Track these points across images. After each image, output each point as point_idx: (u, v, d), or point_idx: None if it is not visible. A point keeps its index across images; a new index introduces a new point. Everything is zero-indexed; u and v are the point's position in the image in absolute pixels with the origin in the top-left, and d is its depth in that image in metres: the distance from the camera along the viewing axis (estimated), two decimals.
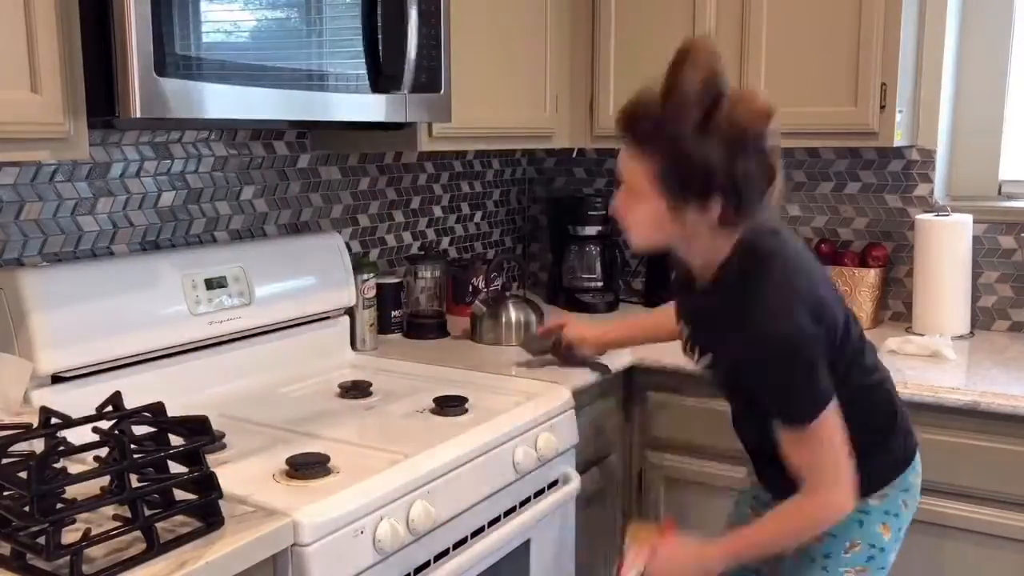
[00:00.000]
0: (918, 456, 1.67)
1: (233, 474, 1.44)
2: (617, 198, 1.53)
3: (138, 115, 1.37)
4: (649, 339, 2.11)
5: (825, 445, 1.47)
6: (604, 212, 2.82)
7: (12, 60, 1.30)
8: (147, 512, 1.17)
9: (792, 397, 1.46)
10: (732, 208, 1.43)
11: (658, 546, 1.58)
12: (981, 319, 2.49)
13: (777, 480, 1.57)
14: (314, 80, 1.66)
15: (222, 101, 1.50)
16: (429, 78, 1.89)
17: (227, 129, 2.07)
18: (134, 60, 1.36)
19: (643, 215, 1.49)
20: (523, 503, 1.78)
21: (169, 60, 1.41)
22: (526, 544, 1.82)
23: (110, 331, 1.69)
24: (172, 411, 1.36)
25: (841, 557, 1.61)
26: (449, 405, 1.82)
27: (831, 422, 1.47)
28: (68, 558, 1.09)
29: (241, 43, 1.54)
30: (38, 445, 1.30)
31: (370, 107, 1.80)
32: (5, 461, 1.19)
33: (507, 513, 1.73)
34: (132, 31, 1.36)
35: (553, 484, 1.88)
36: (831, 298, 1.54)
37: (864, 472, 1.52)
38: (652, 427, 2.31)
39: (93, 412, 1.35)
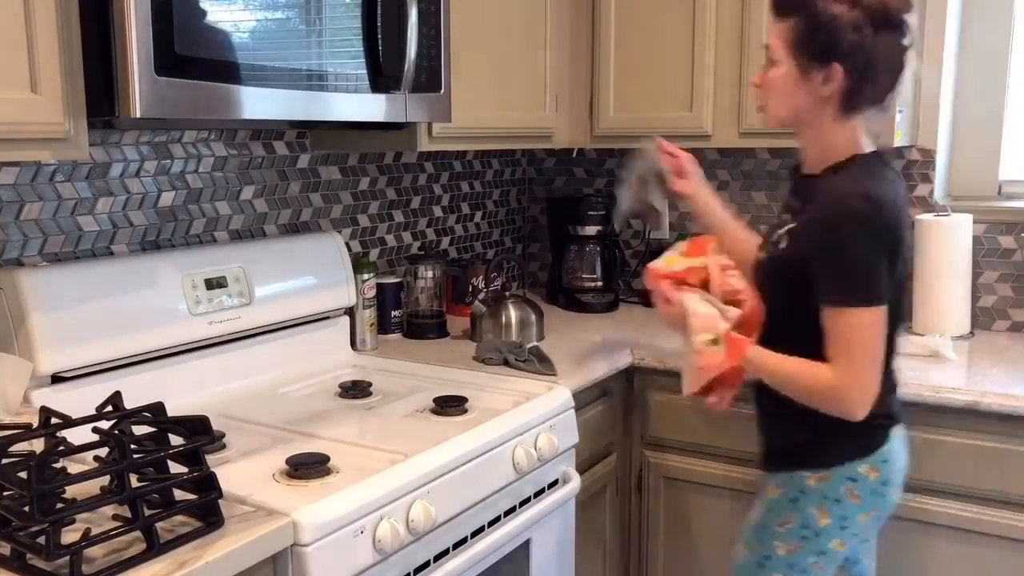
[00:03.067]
0: (884, 456, 1.61)
1: (233, 474, 1.44)
2: (758, 73, 1.62)
3: (138, 115, 1.37)
4: (735, 244, 1.87)
5: (865, 340, 1.49)
6: (604, 212, 2.83)
7: (12, 60, 1.30)
8: (147, 512, 1.17)
9: (851, 272, 1.48)
10: (854, 84, 1.49)
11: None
12: (981, 319, 2.49)
13: (776, 425, 1.64)
14: (314, 80, 1.66)
15: (222, 101, 1.50)
16: (429, 78, 1.89)
17: (227, 129, 2.07)
18: (134, 60, 1.36)
19: (776, 81, 1.57)
20: (523, 503, 1.78)
21: (169, 60, 1.41)
22: (526, 544, 1.82)
23: (110, 331, 1.69)
24: (172, 411, 1.36)
25: (774, 529, 1.65)
26: (449, 405, 1.82)
27: (878, 327, 1.49)
28: (68, 558, 1.09)
29: (241, 43, 1.54)
30: (38, 445, 1.30)
31: (370, 107, 1.80)
32: (5, 461, 1.19)
33: (507, 513, 1.73)
34: (132, 31, 1.36)
35: (553, 484, 1.88)
36: (902, 268, 1.56)
37: (818, 443, 1.58)
38: (652, 427, 2.31)
39: (93, 412, 1.35)
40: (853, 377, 1.50)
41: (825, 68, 1.50)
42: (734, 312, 1.64)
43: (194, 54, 1.45)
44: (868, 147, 1.58)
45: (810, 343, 1.53)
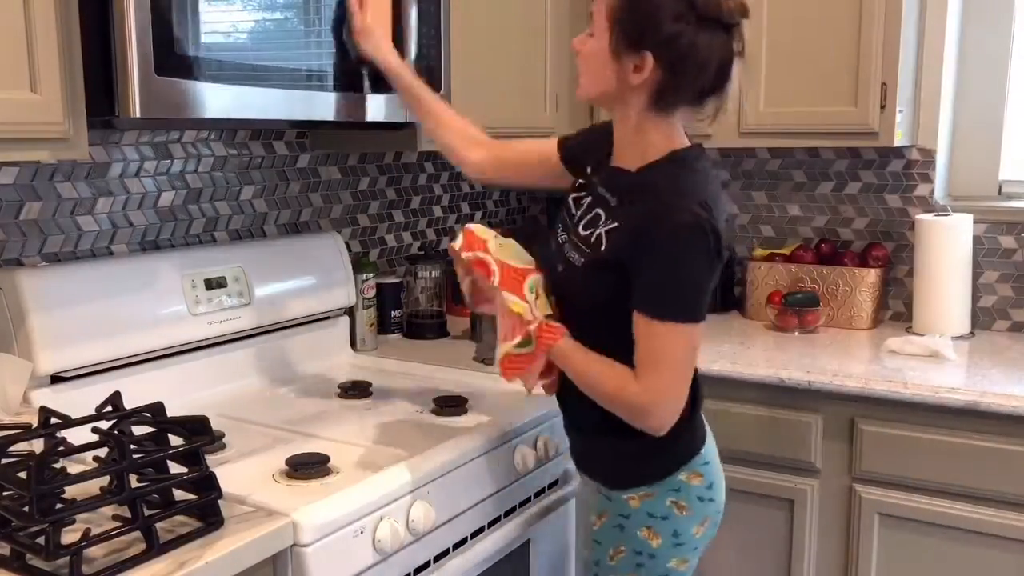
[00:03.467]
0: (705, 458, 1.53)
1: (233, 474, 1.44)
2: (579, 38, 1.49)
3: (138, 115, 1.37)
4: (426, 110, 1.75)
5: (679, 357, 1.39)
6: None
7: (11, 60, 1.30)
8: (147, 512, 1.17)
9: (678, 287, 1.37)
10: (666, 80, 1.37)
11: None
12: (981, 319, 2.49)
13: (589, 445, 1.57)
14: (313, 80, 1.66)
15: (221, 101, 1.50)
16: (429, 78, 1.89)
17: (227, 129, 2.07)
18: (134, 60, 1.36)
19: (590, 53, 1.45)
20: (523, 503, 1.78)
21: (168, 60, 1.41)
22: (526, 544, 1.82)
23: (110, 331, 1.69)
24: (172, 411, 1.36)
25: (607, 564, 1.55)
26: (449, 405, 1.82)
27: (693, 345, 1.41)
28: (68, 558, 1.09)
29: (241, 43, 1.54)
30: (38, 445, 1.30)
31: (370, 107, 1.80)
32: (5, 461, 1.19)
33: (507, 513, 1.73)
34: (132, 31, 1.36)
35: (553, 484, 1.88)
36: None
37: (634, 461, 1.50)
38: None
39: (93, 412, 1.35)
40: (660, 393, 1.40)
41: (637, 55, 1.37)
42: (543, 303, 1.51)
43: (193, 54, 1.45)
44: (684, 141, 1.46)
45: (618, 348, 1.42)
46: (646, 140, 1.45)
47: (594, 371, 1.46)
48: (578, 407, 1.54)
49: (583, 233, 1.50)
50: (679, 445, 1.51)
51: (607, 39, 1.40)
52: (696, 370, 1.51)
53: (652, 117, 1.43)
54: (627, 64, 1.39)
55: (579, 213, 1.53)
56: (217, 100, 1.49)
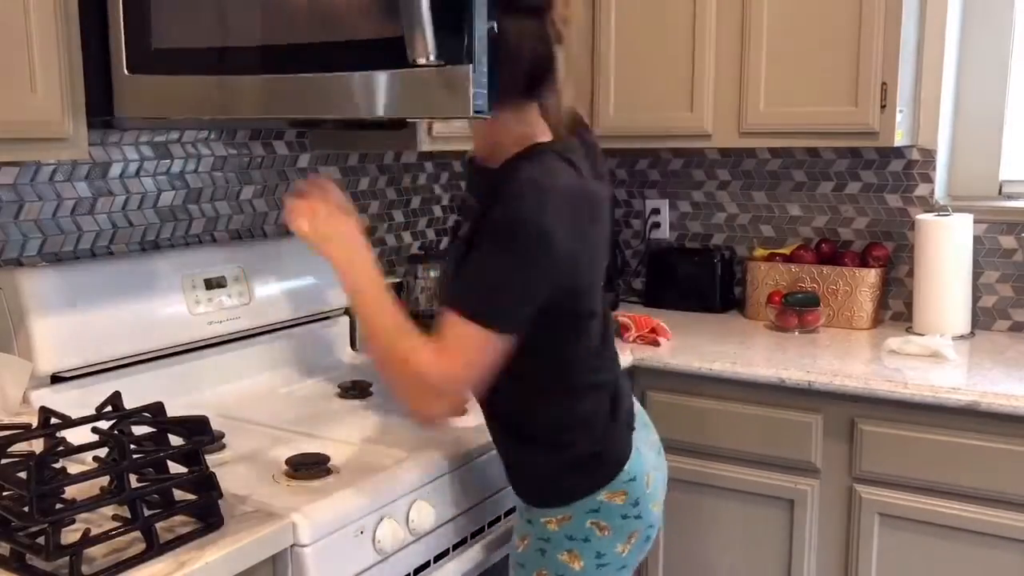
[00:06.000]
0: (629, 474, 1.46)
1: (233, 474, 1.44)
2: None
3: (125, 114, 1.37)
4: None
5: (470, 351, 1.29)
6: None
7: (11, 60, 1.30)
8: (147, 512, 1.17)
9: (483, 285, 1.30)
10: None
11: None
12: (981, 319, 2.49)
13: (509, 464, 1.51)
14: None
15: (203, 97, 1.43)
16: None
17: (227, 129, 2.07)
18: (122, 58, 1.36)
19: None
20: None
21: (145, 58, 1.39)
22: None
23: (110, 331, 1.68)
24: (172, 411, 1.36)
25: None
26: None
27: (486, 348, 1.29)
28: (68, 558, 1.09)
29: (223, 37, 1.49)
30: (38, 445, 1.30)
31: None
32: (5, 461, 1.19)
33: (507, 513, 1.73)
34: (120, 29, 1.36)
35: None
36: (595, 260, 1.42)
37: (551, 481, 1.44)
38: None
39: (93, 412, 1.35)
40: (437, 366, 1.29)
41: None
42: None
43: (173, 47, 1.41)
44: (539, 138, 1.38)
45: (508, 375, 1.35)
46: (496, 135, 1.39)
47: (385, 321, 1.34)
48: (500, 423, 1.52)
49: (458, 242, 1.47)
50: (597, 462, 1.45)
51: None
52: (617, 383, 1.48)
53: (498, 115, 1.31)
54: None
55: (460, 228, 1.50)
56: (198, 96, 1.43)
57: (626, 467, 1.46)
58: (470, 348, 1.30)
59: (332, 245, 1.36)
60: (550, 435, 1.47)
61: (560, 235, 1.28)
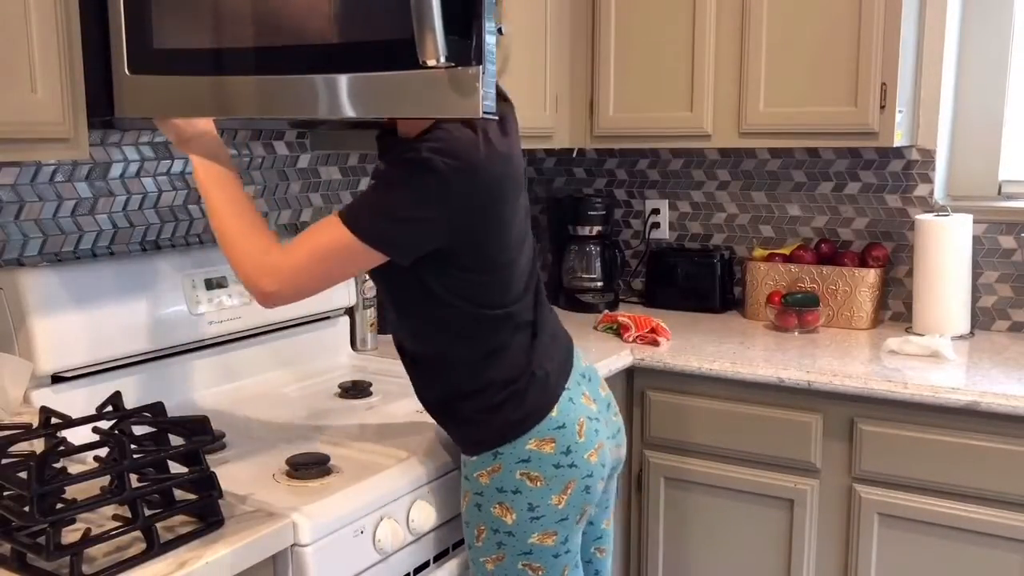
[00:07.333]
0: (557, 422, 1.46)
1: (233, 474, 1.44)
2: None
3: (126, 114, 1.37)
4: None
5: (325, 248, 1.36)
6: (604, 212, 2.83)
7: (12, 60, 1.30)
8: (147, 512, 1.17)
9: (365, 199, 1.36)
10: None
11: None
12: (981, 319, 2.49)
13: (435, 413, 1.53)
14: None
15: (204, 98, 1.45)
16: None
17: (227, 129, 2.07)
18: (124, 57, 1.36)
19: None
20: None
21: (145, 58, 1.38)
22: None
23: (110, 331, 1.69)
24: (172, 411, 1.36)
25: (476, 547, 1.49)
26: None
27: (345, 251, 1.35)
28: (68, 558, 1.09)
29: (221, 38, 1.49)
30: (38, 445, 1.30)
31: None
32: (5, 461, 1.19)
33: None
34: (122, 28, 1.36)
35: None
36: (515, 224, 1.46)
37: (472, 429, 1.46)
38: (652, 427, 2.31)
39: (93, 412, 1.35)
40: (288, 265, 1.36)
41: None
42: None
43: (170, 47, 1.41)
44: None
45: (423, 321, 1.43)
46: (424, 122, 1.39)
47: (233, 209, 1.40)
48: (420, 369, 1.53)
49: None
50: (517, 405, 1.45)
51: None
52: (538, 328, 1.49)
53: None
54: None
55: None
56: (198, 94, 1.42)
57: (553, 413, 1.46)
58: (326, 246, 1.35)
59: (194, 143, 1.43)
60: (468, 378, 1.48)
61: (454, 178, 1.32)
